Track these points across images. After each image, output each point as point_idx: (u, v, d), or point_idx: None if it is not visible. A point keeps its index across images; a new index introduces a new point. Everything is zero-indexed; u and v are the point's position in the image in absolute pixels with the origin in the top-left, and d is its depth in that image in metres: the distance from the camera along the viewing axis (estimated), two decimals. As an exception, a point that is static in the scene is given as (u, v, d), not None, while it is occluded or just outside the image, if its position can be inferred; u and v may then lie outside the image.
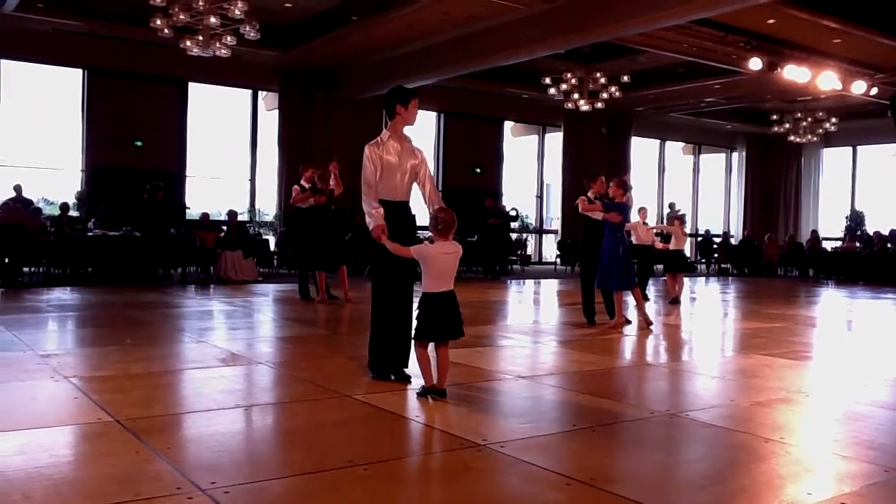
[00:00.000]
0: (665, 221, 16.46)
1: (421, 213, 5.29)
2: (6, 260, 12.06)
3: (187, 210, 16.29)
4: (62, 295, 10.53)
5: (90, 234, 13.14)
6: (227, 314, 9.20)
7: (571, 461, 3.53)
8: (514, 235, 19.86)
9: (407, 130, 5.22)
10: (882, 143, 22.97)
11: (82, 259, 12.91)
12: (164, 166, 16.11)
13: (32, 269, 12.76)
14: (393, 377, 5.04)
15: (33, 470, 3.15)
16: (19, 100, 15.36)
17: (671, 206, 19.24)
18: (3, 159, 14.89)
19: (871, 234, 19.91)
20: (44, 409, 4.29)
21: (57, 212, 13.92)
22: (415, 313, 4.71)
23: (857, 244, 19.88)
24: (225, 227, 14.69)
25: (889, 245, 18.85)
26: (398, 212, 5.06)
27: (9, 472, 3.13)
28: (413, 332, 4.67)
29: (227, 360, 5.85)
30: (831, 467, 3.53)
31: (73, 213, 14.37)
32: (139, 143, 15.79)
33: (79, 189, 15.42)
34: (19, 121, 15.35)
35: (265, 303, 10.62)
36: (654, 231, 12.03)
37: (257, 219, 17.39)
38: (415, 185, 5.20)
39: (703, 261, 22.04)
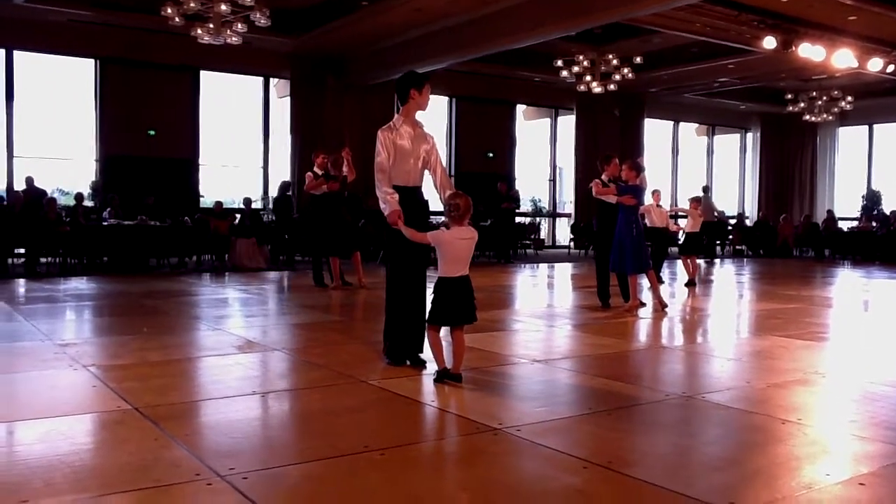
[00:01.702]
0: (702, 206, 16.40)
1: (432, 198, 5.29)
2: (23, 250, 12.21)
3: (201, 198, 16.36)
4: (79, 284, 10.61)
5: (105, 223, 13.23)
6: (242, 301, 9.24)
7: (588, 444, 3.54)
8: (526, 219, 19.82)
9: (418, 115, 5.21)
10: (900, 121, 22.72)
11: (98, 248, 13.00)
12: (177, 155, 16.17)
13: (49, 259, 12.86)
14: (408, 362, 5.06)
15: (54, 458, 3.19)
16: (33, 91, 15.43)
17: (705, 189, 19.18)
18: (18, 150, 14.96)
19: (888, 213, 19.73)
20: (63, 398, 4.33)
21: (72, 202, 14.00)
22: (429, 298, 4.71)
23: (874, 224, 19.71)
24: (238, 215, 14.77)
25: (906, 224, 18.69)
26: (411, 197, 5.05)
27: (31, 460, 3.18)
28: (427, 316, 4.68)
29: (244, 348, 5.88)
30: (849, 448, 3.52)
31: (87, 202, 14.44)
32: (152, 133, 15.83)
33: (93, 179, 15.50)
34: (33, 112, 15.42)
35: (279, 290, 10.66)
36: (669, 213, 11.98)
37: (270, 206, 17.41)
38: (426, 171, 5.20)
39: (718, 242, 21.91)
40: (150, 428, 3.63)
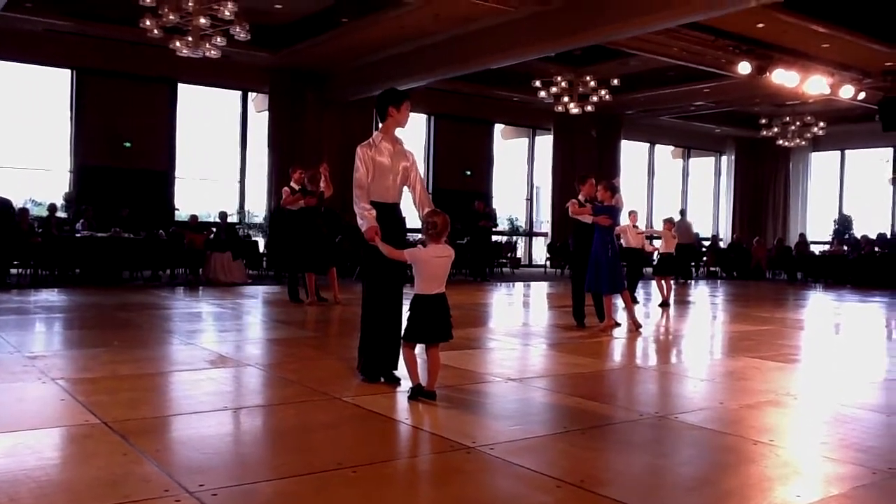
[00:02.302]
0: (677, 228, 16.54)
1: (410, 215, 5.29)
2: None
3: (176, 211, 16.23)
4: (49, 296, 10.47)
5: (78, 235, 13.07)
6: (216, 316, 9.16)
7: (561, 463, 3.53)
8: (503, 238, 19.89)
9: (398, 133, 5.22)
10: (870, 147, 23.12)
11: (70, 260, 12.84)
12: (152, 167, 16.06)
13: (20, 270, 12.68)
14: (382, 379, 5.03)
15: (20, 472, 3.12)
16: (7, 100, 15.27)
17: (682, 212, 19.32)
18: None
19: (859, 237, 20.02)
20: (31, 411, 4.26)
21: (45, 213, 13.84)
22: (405, 315, 4.70)
23: (845, 248, 19.98)
24: (214, 229, 14.66)
25: (876, 249, 18.96)
26: (389, 214, 5.04)
27: (-5, 475, 3.11)
28: (403, 333, 4.67)
29: (216, 362, 5.82)
30: (820, 470, 3.55)
31: (60, 214, 14.28)
32: (128, 144, 15.72)
33: (67, 190, 15.33)
34: (7, 121, 15.25)
35: (254, 305, 10.59)
36: (644, 234, 12.07)
37: (246, 220, 17.33)
38: (405, 187, 5.20)
39: (693, 264, 22.10)
40: (119, 443, 3.57)
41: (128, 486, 3.00)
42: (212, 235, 14.32)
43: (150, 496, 2.91)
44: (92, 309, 9.27)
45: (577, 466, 3.46)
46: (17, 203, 14.33)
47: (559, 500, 3.04)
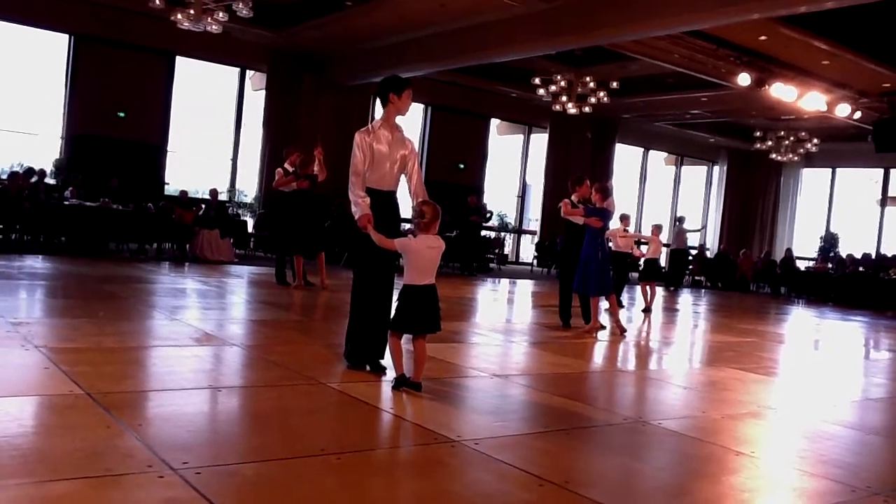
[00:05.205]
0: (673, 234, 16.37)
1: (405, 203, 5.27)
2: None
3: (166, 185, 16.14)
4: (34, 263, 10.38)
5: (66, 203, 12.96)
6: (202, 293, 9.12)
7: (544, 462, 3.54)
8: (492, 234, 19.91)
9: (398, 120, 5.20)
10: (861, 167, 23.28)
11: (57, 228, 12.72)
12: (145, 139, 15.95)
13: (3, 235, 12.55)
14: (368, 367, 5.03)
15: (2, 439, 3.10)
16: (1, 61, 15.08)
17: (680, 220, 19.39)
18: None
19: (844, 256, 20.17)
20: (13, 378, 4.22)
21: (33, 178, 13.69)
22: (394, 304, 4.70)
23: (830, 265, 20.13)
24: (204, 205, 14.58)
25: (860, 268, 19.11)
26: (385, 201, 5.03)
27: (-24, 440, 3.08)
28: (390, 322, 4.66)
29: (201, 340, 5.80)
30: (798, 484, 3.57)
31: (49, 180, 14.15)
32: (122, 114, 15.58)
33: (57, 157, 15.20)
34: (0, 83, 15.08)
35: (240, 284, 10.55)
36: (633, 238, 12.11)
37: (237, 199, 17.25)
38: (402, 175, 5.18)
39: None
40: (103, 415, 3.55)
41: (110, 459, 2.98)
42: (201, 212, 14.24)
43: (133, 471, 2.89)
44: (77, 279, 9.21)
45: (560, 466, 3.47)
46: (5, 167, 14.24)
47: (542, 498, 3.05)
